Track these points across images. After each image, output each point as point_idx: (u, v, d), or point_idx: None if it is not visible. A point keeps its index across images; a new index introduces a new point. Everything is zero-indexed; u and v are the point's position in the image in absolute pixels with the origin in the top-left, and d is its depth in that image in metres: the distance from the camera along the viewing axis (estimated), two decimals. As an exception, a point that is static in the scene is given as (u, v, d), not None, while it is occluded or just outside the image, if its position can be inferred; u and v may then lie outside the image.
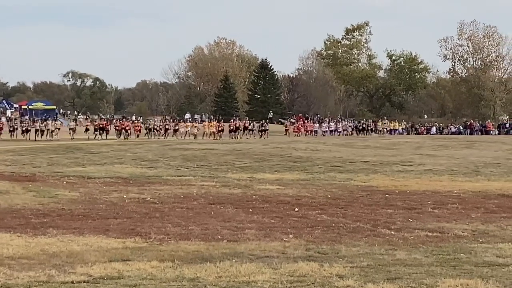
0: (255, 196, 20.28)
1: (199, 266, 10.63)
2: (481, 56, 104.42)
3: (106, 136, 57.32)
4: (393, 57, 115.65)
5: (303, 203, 18.87)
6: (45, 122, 59.32)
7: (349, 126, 71.46)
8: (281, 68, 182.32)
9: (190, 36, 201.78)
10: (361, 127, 69.77)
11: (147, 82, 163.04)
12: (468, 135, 62.06)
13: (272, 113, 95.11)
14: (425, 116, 64.15)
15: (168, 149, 37.03)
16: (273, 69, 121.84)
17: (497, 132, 67.24)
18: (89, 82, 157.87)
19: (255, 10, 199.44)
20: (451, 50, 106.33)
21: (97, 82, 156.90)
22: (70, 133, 57.02)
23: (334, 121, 72.65)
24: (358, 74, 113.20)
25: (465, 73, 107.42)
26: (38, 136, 56.36)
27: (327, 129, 67.96)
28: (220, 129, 59.88)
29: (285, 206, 18.21)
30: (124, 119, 67.35)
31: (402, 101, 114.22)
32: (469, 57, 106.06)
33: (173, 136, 59.07)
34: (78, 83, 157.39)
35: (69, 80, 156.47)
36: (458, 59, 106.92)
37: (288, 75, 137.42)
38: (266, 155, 33.48)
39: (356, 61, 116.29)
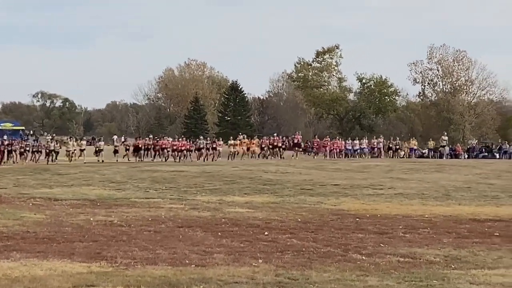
0: (224, 219, 19.99)
1: (165, 292, 10.35)
2: (450, 80, 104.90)
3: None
4: (363, 80, 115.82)
5: (273, 226, 18.62)
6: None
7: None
8: (252, 91, 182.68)
9: (160, 57, 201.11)
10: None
11: (117, 103, 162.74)
12: (437, 158, 62.17)
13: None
14: (397, 139, 64.27)
15: (136, 171, 36.66)
16: (243, 91, 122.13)
17: (466, 156, 67.39)
18: (58, 103, 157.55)
19: (226, 32, 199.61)
20: (421, 74, 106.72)
21: (67, 102, 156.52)
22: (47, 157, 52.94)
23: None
24: (328, 96, 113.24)
25: (435, 96, 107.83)
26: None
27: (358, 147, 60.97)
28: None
29: (255, 229, 17.94)
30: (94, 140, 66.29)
31: (372, 124, 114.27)
32: (439, 81, 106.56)
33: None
34: (48, 104, 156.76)
35: (39, 101, 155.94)
36: (428, 83, 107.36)
37: (259, 97, 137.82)
38: (236, 178, 33.21)
39: (326, 83, 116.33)
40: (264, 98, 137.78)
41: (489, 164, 43.32)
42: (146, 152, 54.59)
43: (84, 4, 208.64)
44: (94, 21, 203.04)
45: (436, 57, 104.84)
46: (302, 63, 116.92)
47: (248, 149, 56.49)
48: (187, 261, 13.14)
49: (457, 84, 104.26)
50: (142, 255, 13.68)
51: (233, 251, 14.39)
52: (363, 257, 13.84)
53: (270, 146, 57.10)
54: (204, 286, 10.86)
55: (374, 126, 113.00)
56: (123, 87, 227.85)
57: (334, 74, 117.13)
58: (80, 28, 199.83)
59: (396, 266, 12.95)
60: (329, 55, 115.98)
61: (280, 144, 57.31)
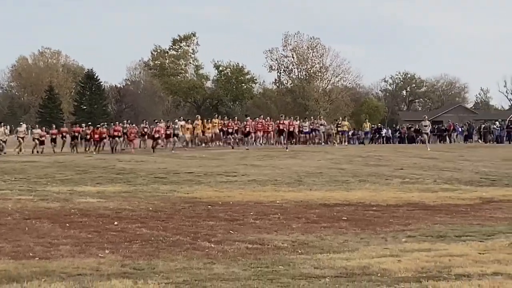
0: (74, 210, 19.55)
1: (4, 287, 9.97)
2: (305, 67, 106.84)
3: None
4: (220, 68, 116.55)
5: (123, 216, 18.35)
6: None
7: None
8: (108, 79, 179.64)
9: (13, 46, 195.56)
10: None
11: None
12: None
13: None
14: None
15: (-15, 162, 35.50)
16: (99, 79, 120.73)
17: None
18: None
19: (81, 20, 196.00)
20: (276, 61, 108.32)
21: None
22: None
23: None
24: (186, 84, 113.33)
25: (291, 83, 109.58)
26: None
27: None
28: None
29: (104, 219, 17.63)
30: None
31: (230, 111, 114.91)
32: (294, 68, 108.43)
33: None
34: None
35: None
36: (284, 70, 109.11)
37: (116, 85, 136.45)
38: (89, 167, 32.62)
39: (183, 71, 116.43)
40: (121, 87, 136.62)
41: (341, 150, 44.18)
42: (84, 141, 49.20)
43: None
44: None
45: (291, 44, 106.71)
46: (158, 50, 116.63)
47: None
48: (31, 254, 12.75)
49: (312, 71, 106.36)
50: (-17, 250, 13.20)
51: (80, 242, 14.08)
52: (212, 245, 13.79)
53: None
54: (46, 279, 10.53)
55: (231, 113, 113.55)
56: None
57: (191, 62, 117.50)
58: None
59: (244, 252, 12.96)
60: (186, 43, 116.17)
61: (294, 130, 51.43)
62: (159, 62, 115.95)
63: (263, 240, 14.40)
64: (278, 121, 52.62)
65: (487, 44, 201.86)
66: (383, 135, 63.57)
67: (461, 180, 29.32)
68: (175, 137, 46.47)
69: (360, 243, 14.09)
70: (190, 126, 49.46)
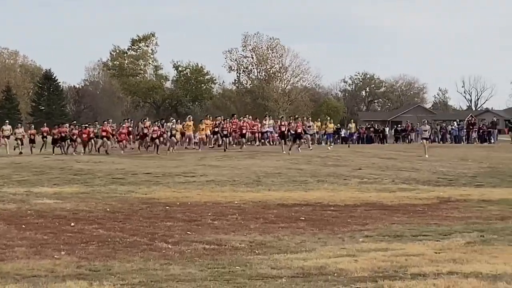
0: (30, 211, 19.37)
1: (-44, 290, 9.85)
2: (265, 67, 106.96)
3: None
4: (180, 68, 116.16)
5: (80, 217, 18.21)
6: None
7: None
8: (67, 79, 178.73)
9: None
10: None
11: None
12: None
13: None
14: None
15: None
16: (57, 80, 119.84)
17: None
18: None
19: (39, 20, 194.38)
20: (236, 62, 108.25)
21: None
22: None
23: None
24: (145, 85, 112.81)
25: (250, 84, 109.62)
26: None
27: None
28: None
29: (61, 221, 17.49)
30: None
31: (189, 111, 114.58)
32: (254, 69, 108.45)
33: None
34: None
35: None
36: (243, 70, 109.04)
37: (74, 86, 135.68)
38: (46, 168, 32.29)
39: (142, 72, 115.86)
40: (80, 87, 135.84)
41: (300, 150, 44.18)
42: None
43: None
44: None
45: (250, 45, 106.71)
46: (117, 51, 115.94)
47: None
48: (-16, 257, 12.60)
49: (271, 71, 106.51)
50: None
51: (36, 244, 13.95)
52: (169, 246, 13.74)
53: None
54: (0, 281, 10.41)
55: (191, 114, 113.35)
56: None
57: (150, 62, 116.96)
58: None
59: (201, 253, 12.92)
60: (145, 43, 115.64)
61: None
62: (118, 63, 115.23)
63: (221, 240, 14.36)
64: (278, 123, 48.93)
65: (445, 45, 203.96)
66: (342, 135, 63.69)
67: (419, 180, 29.53)
68: (173, 138, 44.15)
69: (318, 243, 14.11)
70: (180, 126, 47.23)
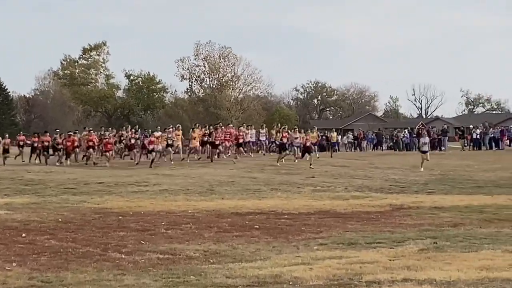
0: (-20, 223, 19.07)
1: None
2: (217, 76, 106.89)
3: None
4: (132, 77, 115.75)
5: (31, 228, 17.95)
6: None
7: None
8: (17, 89, 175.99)
9: None
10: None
11: None
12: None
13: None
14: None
15: None
16: (7, 89, 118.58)
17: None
18: None
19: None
20: (188, 70, 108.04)
21: None
22: None
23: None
24: (96, 94, 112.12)
25: (202, 92, 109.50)
26: None
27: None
28: None
29: (12, 232, 17.21)
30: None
31: (141, 120, 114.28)
32: (206, 77, 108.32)
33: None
34: None
35: None
36: (195, 79, 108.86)
37: (24, 95, 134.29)
38: (-4, 179, 31.92)
39: (94, 81, 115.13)
40: (30, 96, 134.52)
41: (253, 159, 44.23)
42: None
43: None
44: None
45: (202, 53, 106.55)
46: (68, 60, 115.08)
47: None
48: None
49: (223, 80, 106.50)
50: None
51: (-14, 256, 13.72)
52: (123, 256, 13.59)
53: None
54: (-51, 295, 10.23)
55: (143, 123, 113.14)
56: None
57: (102, 71, 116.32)
58: None
59: (155, 263, 12.81)
60: (96, 52, 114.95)
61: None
62: (69, 72, 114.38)
63: (175, 250, 14.26)
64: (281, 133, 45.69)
65: (396, 54, 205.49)
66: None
67: (372, 187, 29.70)
68: (169, 148, 42.58)
69: (272, 251, 14.07)
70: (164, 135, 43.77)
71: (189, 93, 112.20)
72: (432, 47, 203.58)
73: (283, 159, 40.64)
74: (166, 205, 23.33)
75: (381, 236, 16.11)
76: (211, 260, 13.06)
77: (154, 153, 40.67)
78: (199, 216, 20.42)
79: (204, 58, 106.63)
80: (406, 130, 66.07)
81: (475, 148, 59.68)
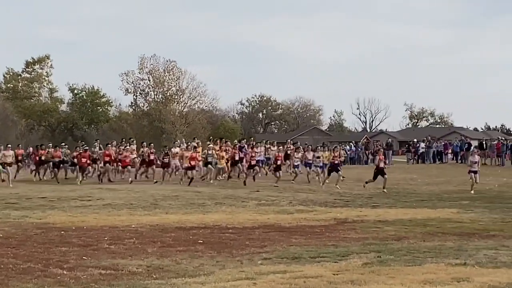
0: None
1: None
2: (162, 90, 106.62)
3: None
4: (75, 91, 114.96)
5: (-29, 244, 17.62)
6: None
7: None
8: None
9: None
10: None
11: None
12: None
13: None
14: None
15: None
16: None
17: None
18: None
19: None
20: (132, 84, 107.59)
21: None
22: None
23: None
24: (39, 108, 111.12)
25: (147, 106, 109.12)
26: None
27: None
28: None
29: (-49, 248, 16.88)
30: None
31: (85, 134, 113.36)
32: (151, 91, 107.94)
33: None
34: None
35: None
36: (140, 93, 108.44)
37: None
38: None
39: (37, 95, 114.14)
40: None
41: (198, 173, 44.01)
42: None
43: None
44: None
45: (147, 67, 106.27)
46: (11, 73, 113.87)
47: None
48: None
49: (168, 94, 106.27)
50: None
51: None
52: (64, 272, 13.37)
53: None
54: None
55: (87, 137, 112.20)
56: None
57: (45, 85, 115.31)
58: None
59: (97, 279, 12.63)
60: (40, 66, 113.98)
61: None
62: (11, 85, 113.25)
63: (118, 265, 14.09)
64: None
65: (340, 68, 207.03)
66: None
67: (316, 201, 29.79)
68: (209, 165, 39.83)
69: (216, 266, 13.98)
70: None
71: (133, 107, 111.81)
72: (376, 61, 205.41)
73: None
74: (109, 220, 23.08)
75: (325, 250, 16.12)
76: (154, 276, 12.93)
77: (192, 171, 38.31)
78: (143, 231, 20.24)
79: (149, 72, 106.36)
80: (351, 144, 66.57)
81: (419, 162, 60.42)
